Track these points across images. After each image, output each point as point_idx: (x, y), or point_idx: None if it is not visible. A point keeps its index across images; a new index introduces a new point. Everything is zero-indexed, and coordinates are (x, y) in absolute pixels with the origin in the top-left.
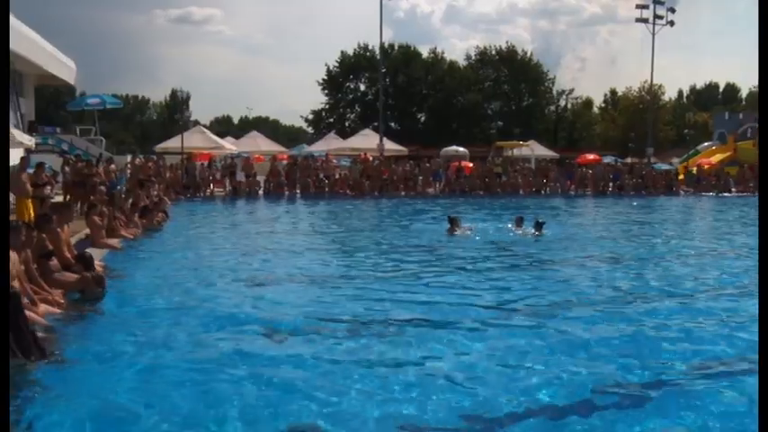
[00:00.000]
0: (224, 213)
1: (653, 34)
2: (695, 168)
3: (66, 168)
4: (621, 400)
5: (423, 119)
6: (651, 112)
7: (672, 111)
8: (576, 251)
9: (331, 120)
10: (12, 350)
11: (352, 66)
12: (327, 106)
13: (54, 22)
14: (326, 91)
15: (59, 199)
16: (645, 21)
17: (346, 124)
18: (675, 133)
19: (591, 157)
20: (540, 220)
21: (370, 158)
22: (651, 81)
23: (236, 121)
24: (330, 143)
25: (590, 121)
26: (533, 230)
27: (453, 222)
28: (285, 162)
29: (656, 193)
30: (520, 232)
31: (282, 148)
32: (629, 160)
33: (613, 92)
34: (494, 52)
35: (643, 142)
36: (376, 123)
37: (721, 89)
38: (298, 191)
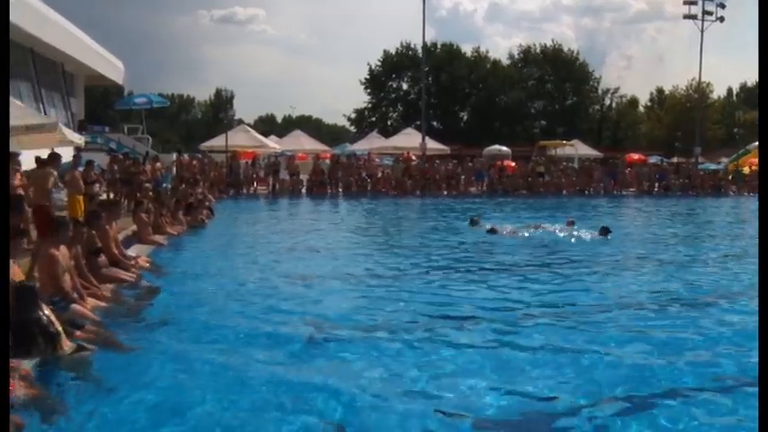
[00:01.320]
0: (267, 211)
1: (702, 31)
2: (746, 168)
3: (115, 167)
4: (671, 404)
5: (465, 118)
6: (699, 110)
7: (721, 109)
8: (623, 252)
9: (373, 119)
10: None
11: (395, 65)
12: (370, 105)
13: (103, 23)
14: (369, 90)
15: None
16: (693, 17)
17: (389, 123)
18: (725, 132)
19: (636, 156)
20: (606, 226)
21: (413, 158)
22: (699, 79)
23: (279, 120)
24: (372, 142)
25: (635, 121)
26: (598, 235)
27: (475, 223)
28: (328, 161)
29: (704, 194)
30: (568, 232)
31: (325, 147)
32: (675, 160)
33: (660, 90)
34: (537, 50)
35: (690, 142)
36: (418, 122)
37: None
38: (340, 190)
